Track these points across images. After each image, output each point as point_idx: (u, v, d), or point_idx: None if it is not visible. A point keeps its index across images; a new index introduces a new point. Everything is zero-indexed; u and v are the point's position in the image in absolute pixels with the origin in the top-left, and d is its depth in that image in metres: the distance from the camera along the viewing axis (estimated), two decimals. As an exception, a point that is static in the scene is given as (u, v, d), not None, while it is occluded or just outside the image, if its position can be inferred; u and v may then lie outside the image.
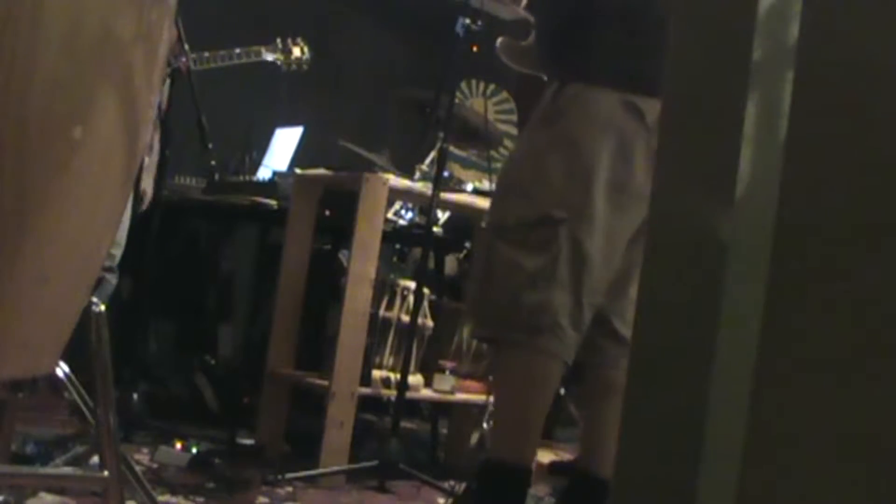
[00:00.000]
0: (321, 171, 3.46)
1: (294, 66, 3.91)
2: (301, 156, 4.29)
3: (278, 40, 3.90)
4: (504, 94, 6.36)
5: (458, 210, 3.69)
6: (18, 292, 1.29)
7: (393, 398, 3.15)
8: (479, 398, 3.47)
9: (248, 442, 3.38)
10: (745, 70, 0.84)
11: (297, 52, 3.91)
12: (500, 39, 2.79)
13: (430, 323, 3.36)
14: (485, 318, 2.41)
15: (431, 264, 3.83)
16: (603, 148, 2.29)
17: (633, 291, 2.39)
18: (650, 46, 2.33)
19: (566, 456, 3.87)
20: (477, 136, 3.81)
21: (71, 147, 1.27)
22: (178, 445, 3.02)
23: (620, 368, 2.38)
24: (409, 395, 3.18)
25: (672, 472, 0.85)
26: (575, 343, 2.30)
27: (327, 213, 3.56)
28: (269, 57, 3.86)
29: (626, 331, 2.39)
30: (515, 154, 2.56)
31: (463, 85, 6.00)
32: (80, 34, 1.25)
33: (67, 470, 2.30)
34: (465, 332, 3.63)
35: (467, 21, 3.09)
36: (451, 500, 2.93)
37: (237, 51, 3.80)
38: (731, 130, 0.84)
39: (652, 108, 2.30)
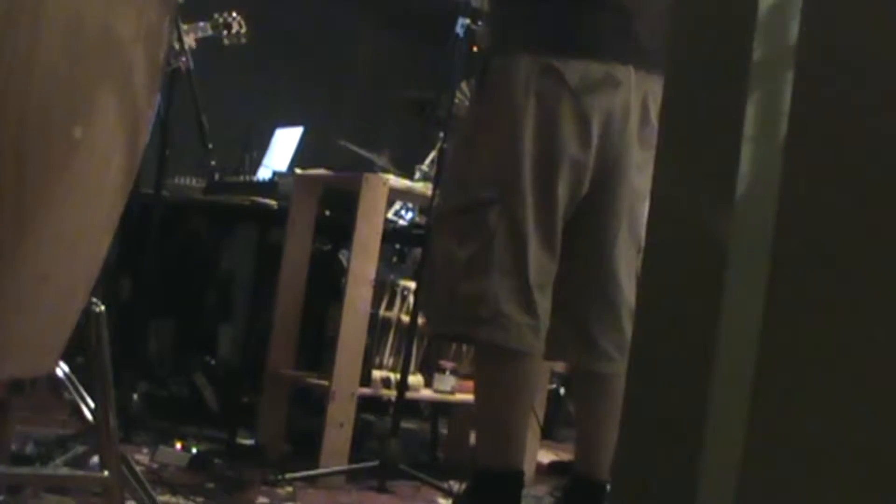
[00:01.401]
0: (321, 171, 3.46)
1: (234, 40, 3.95)
2: (301, 156, 4.29)
3: (216, 15, 3.94)
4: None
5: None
6: (18, 292, 1.29)
7: (393, 398, 3.15)
8: (479, 398, 3.46)
9: (248, 442, 3.38)
10: (745, 70, 0.84)
11: (235, 26, 3.95)
12: (478, 30, 2.77)
13: (429, 323, 3.36)
14: (431, 314, 2.36)
15: (431, 264, 3.83)
16: (525, 117, 2.21)
17: (611, 288, 2.32)
18: (568, 10, 2.27)
19: (566, 456, 3.87)
20: (477, 136, 3.81)
21: (71, 147, 1.27)
22: (178, 445, 3.02)
23: (602, 372, 2.32)
24: (409, 395, 3.18)
25: (672, 472, 0.85)
26: (528, 327, 2.20)
27: (327, 213, 3.56)
28: (213, 32, 3.88)
29: (601, 336, 2.31)
30: (452, 144, 2.50)
31: (463, 85, 6.00)
32: (80, 34, 1.25)
33: (67, 470, 2.30)
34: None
35: (467, 21, 3.09)
36: (451, 501, 2.93)
37: (184, 27, 3.81)
38: (731, 130, 0.84)
39: (573, 69, 2.22)
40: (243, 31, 3.97)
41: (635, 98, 2.26)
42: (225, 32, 3.93)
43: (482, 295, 2.18)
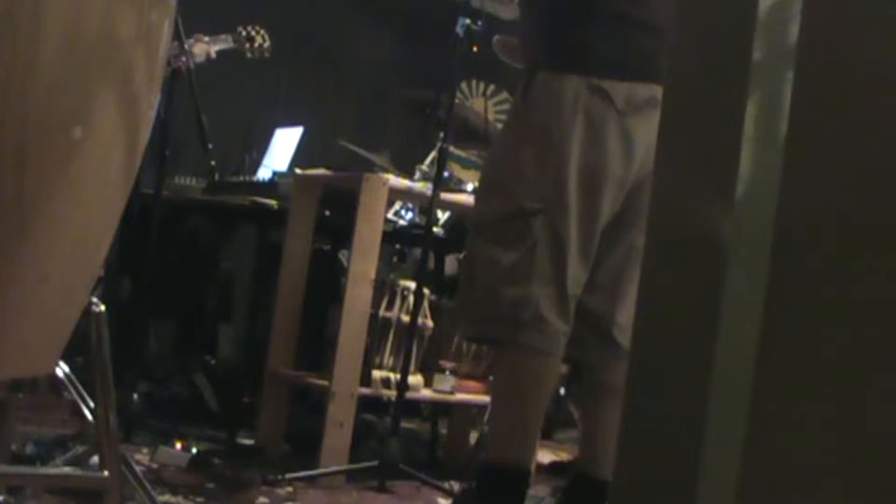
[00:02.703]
0: (321, 171, 3.46)
1: (256, 54, 3.97)
2: (301, 156, 4.29)
3: (240, 29, 3.95)
4: (504, 94, 6.35)
5: (458, 210, 3.69)
6: (18, 292, 1.29)
7: (393, 398, 3.15)
8: (479, 398, 3.47)
9: (248, 442, 3.37)
10: (745, 70, 0.84)
11: (258, 39, 3.96)
12: (496, 37, 2.79)
13: (430, 323, 3.36)
14: (469, 317, 2.40)
15: (431, 264, 3.83)
16: (573, 134, 2.27)
17: (629, 292, 2.38)
18: (615, 31, 2.33)
19: (566, 456, 3.87)
20: (477, 136, 3.81)
21: (71, 147, 1.27)
22: (178, 445, 3.02)
23: (615, 371, 2.37)
24: (409, 395, 3.18)
25: (672, 472, 0.85)
26: (563, 334, 2.28)
27: (327, 213, 3.56)
28: (234, 45, 3.90)
29: (620, 335, 2.37)
30: (493, 151, 2.55)
31: (463, 85, 6.00)
32: (80, 34, 1.25)
33: (67, 470, 2.30)
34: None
35: (467, 21, 3.09)
36: (451, 501, 2.92)
37: (205, 39, 3.83)
38: (731, 130, 0.84)
39: (620, 90, 2.28)
40: (266, 44, 3.98)
41: None
42: (248, 46, 3.94)
43: (524, 299, 2.24)
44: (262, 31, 3.98)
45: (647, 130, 2.30)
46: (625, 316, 2.37)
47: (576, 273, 2.29)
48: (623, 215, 2.36)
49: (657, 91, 2.30)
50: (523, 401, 2.32)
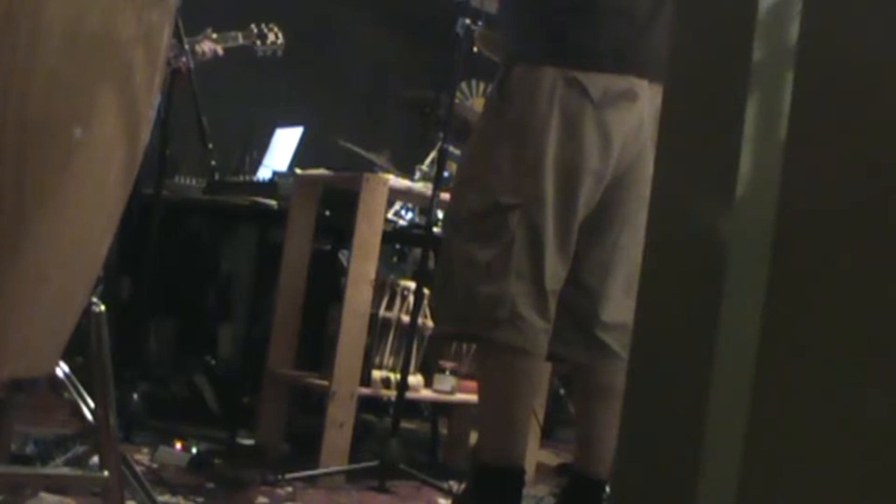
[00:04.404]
0: (321, 171, 3.46)
1: (269, 52, 3.97)
2: (301, 156, 4.29)
3: (252, 26, 3.96)
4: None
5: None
6: (18, 292, 1.29)
7: (393, 398, 3.15)
8: (479, 398, 3.47)
9: (248, 442, 3.38)
10: (745, 70, 0.84)
11: (271, 37, 3.97)
12: (476, 30, 2.78)
13: (430, 323, 3.36)
14: (445, 315, 2.38)
15: (431, 264, 3.83)
16: (549, 128, 2.25)
17: (614, 292, 2.36)
18: (591, 23, 2.32)
19: (568, 456, 3.86)
20: (477, 136, 3.80)
21: (71, 147, 1.27)
22: (178, 445, 3.02)
23: (604, 371, 2.35)
24: (409, 395, 3.18)
25: (672, 472, 0.85)
26: (543, 331, 2.25)
27: (327, 213, 3.56)
28: (244, 42, 3.90)
29: (605, 335, 2.34)
30: (469, 146, 2.53)
31: (463, 85, 6.00)
32: (80, 34, 1.25)
33: (67, 470, 2.30)
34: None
35: (467, 21, 3.09)
36: (451, 501, 2.92)
37: (214, 36, 3.84)
38: (731, 130, 0.84)
39: (595, 82, 2.26)
40: (279, 42, 3.98)
41: (649, 110, 2.29)
42: (258, 42, 3.94)
43: (500, 297, 2.22)
44: (276, 29, 3.98)
45: (623, 123, 2.28)
46: (610, 316, 2.34)
47: (554, 268, 2.26)
48: (604, 211, 2.33)
49: (634, 83, 2.28)
50: (505, 399, 2.29)
